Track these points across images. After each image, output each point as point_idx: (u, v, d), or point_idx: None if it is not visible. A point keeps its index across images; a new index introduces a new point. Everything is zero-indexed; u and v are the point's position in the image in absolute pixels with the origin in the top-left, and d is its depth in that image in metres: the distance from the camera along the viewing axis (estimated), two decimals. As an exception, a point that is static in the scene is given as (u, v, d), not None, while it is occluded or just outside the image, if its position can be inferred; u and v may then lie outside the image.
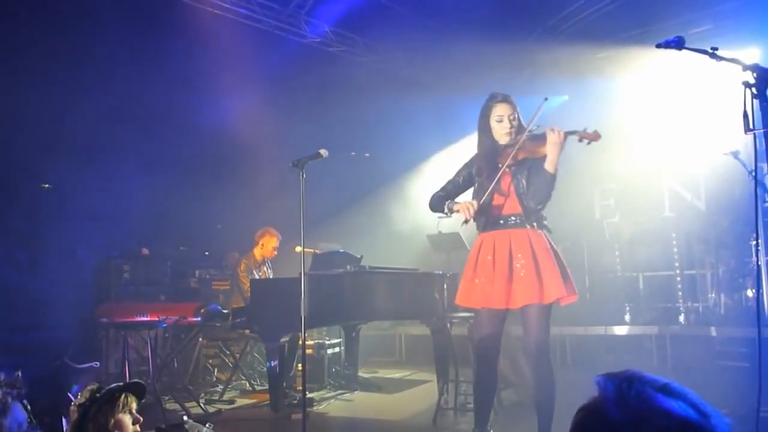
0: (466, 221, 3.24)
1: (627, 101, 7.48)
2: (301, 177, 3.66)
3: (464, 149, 7.98)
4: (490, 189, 3.24)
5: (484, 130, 3.37)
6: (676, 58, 6.37)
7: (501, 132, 3.30)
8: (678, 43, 2.58)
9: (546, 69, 7.58)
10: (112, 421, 2.15)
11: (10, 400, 2.57)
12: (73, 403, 2.20)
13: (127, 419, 2.19)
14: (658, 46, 2.61)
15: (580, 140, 3.11)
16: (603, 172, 8.32)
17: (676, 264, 7.41)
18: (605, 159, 8.14)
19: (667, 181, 7.89)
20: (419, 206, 8.52)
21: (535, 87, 7.17)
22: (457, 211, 3.29)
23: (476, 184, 3.39)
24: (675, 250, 7.45)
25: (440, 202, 3.43)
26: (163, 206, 7.03)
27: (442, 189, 3.50)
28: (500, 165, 3.25)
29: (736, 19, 6.50)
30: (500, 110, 3.30)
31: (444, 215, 3.43)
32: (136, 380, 2.40)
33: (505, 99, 3.32)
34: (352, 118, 7.76)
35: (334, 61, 7.98)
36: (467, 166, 3.48)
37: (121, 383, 2.28)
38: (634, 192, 8.06)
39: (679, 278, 7.35)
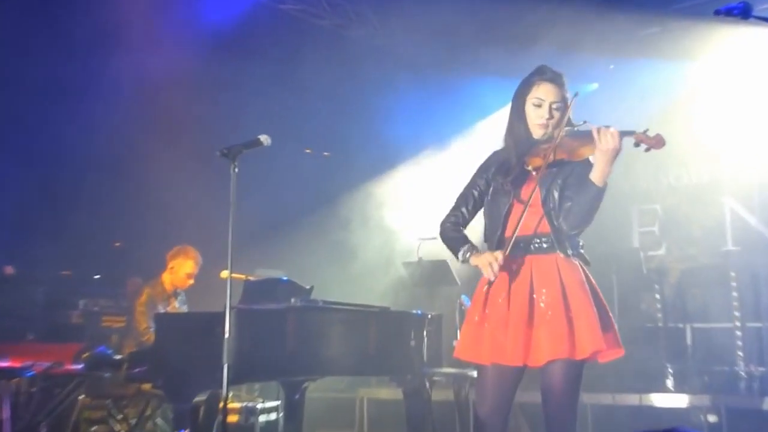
0: (490, 284, 3.16)
1: (677, 93, 7.58)
2: (232, 171, 3.60)
3: (460, 150, 8.08)
4: (510, 196, 3.20)
5: (518, 114, 3.30)
6: (744, 34, 6.52)
7: (535, 121, 3.23)
8: (743, 11, 2.60)
9: (571, 48, 7.65)
10: None
11: None
12: None
13: None
14: (717, 12, 2.65)
15: (637, 145, 3.03)
16: (643, 187, 8.40)
17: (737, 314, 7.48)
18: (646, 170, 8.23)
19: (730, 202, 7.98)
20: (395, 223, 8.55)
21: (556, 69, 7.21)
22: (475, 266, 3.19)
23: (491, 189, 3.31)
24: (735, 294, 7.52)
25: (453, 238, 3.33)
26: (39, 211, 6.91)
27: (454, 211, 3.40)
28: (527, 166, 3.20)
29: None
30: (542, 92, 3.22)
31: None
32: None
33: (554, 79, 3.23)
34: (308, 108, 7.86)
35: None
36: (483, 170, 3.40)
37: None
38: (686, 216, 8.14)
39: (739, 332, 7.42)
